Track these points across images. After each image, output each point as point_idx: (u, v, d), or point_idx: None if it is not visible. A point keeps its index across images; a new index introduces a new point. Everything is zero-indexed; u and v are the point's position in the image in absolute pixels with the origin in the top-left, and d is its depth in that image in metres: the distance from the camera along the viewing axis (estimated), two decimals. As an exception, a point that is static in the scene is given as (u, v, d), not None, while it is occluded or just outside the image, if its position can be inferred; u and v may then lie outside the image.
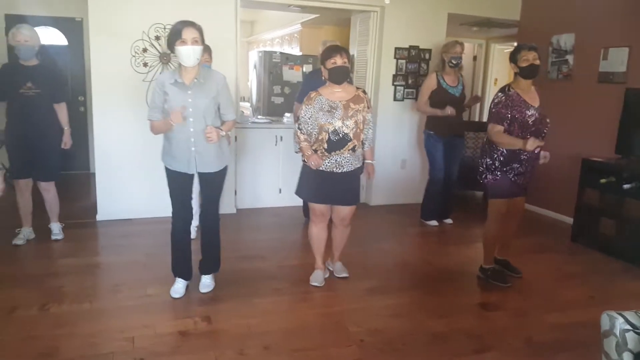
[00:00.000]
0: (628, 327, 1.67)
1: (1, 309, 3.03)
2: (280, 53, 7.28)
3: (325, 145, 3.35)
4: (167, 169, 3.22)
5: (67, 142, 4.23)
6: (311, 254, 3.71)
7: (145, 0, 4.69)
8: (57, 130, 4.16)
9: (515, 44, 6.31)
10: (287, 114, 5.84)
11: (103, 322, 2.99)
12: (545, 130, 3.58)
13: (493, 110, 3.54)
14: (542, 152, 3.59)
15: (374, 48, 5.65)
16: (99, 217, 4.90)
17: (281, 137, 5.45)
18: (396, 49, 5.60)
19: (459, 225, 5.22)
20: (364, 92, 3.48)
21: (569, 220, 5.10)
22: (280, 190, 5.59)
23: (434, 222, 5.21)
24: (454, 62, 4.87)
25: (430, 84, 4.94)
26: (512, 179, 3.60)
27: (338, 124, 3.31)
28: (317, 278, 3.63)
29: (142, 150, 4.79)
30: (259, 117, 6.31)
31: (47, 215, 4.35)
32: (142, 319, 3.02)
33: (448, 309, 3.36)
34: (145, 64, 4.79)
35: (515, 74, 3.57)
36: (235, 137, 5.22)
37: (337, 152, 3.36)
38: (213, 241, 3.42)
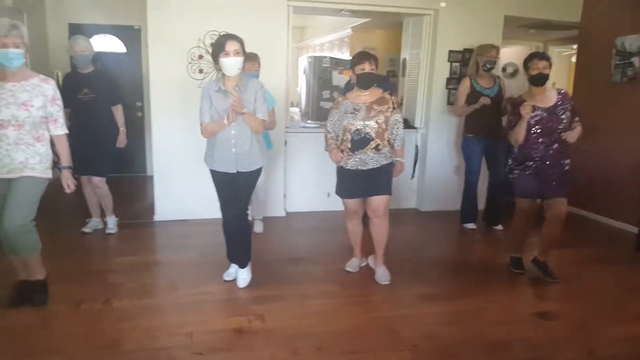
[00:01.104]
0: None
1: (68, 302, 3.18)
2: (330, 58, 7.31)
3: (349, 145, 3.56)
4: (210, 170, 3.47)
5: (122, 141, 4.55)
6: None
7: (201, 9, 4.83)
8: (111, 131, 4.47)
9: (575, 46, 6.16)
10: (337, 119, 5.86)
11: (162, 317, 3.11)
12: (560, 127, 3.68)
13: (507, 120, 3.95)
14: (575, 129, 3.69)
15: (427, 51, 5.60)
16: (156, 218, 5.06)
17: (331, 142, 5.47)
18: (450, 52, 5.54)
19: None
20: (390, 94, 3.66)
21: (634, 229, 4.88)
22: (328, 194, 5.60)
23: (471, 225, 5.23)
24: (488, 66, 4.86)
25: (464, 88, 4.97)
26: (530, 175, 3.75)
27: (359, 124, 3.51)
28: (352, 264, 3.94)
29: (198, 154, 4.86)
30: (308, 121, 6.37)
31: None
32: (199, 316, 3.11)
33: (505, 317, 3.28)
34: (200, 70, 4.93)
35: (527, 80, 3.79)
36: (285, 142, 5.30)
37: (361, 151, 3.54)
38: (241, 230, 3.56)
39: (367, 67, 3.49)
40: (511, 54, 8.26)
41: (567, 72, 7.11)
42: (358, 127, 3.51)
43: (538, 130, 3.69)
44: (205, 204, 4.95)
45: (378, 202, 3.63)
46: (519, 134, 3.71)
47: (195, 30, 4.85)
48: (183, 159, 4.98)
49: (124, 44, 7.05)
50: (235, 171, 3.36)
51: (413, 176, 5.71)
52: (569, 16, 5.89)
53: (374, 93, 3.60)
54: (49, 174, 3.08)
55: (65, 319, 3.00)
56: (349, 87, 4.54)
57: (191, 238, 4.61)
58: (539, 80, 3.69)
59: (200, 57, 4.90)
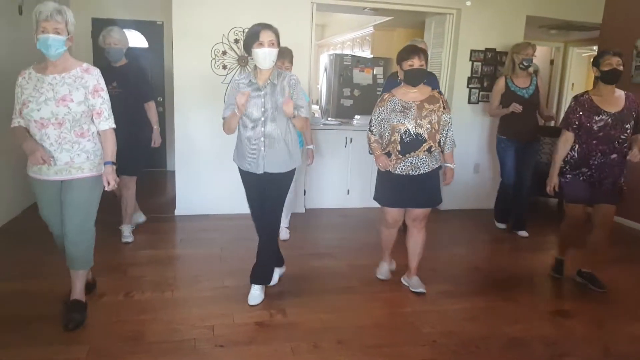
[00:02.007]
0: None
1: (91, 295, 3.22)
2: (352, 56, 7.33)
3: (399, 147, 3.28)
4: (239, 170, 3.25)
5: (155, 140, 4.38)
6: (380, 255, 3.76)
7: (225, 5, 4.87)
8: (142, 128, 4.26)
9: (596, 47, 6.10)
10: (357, 116, 5.89)
11: (184, 310, 3.15)
12: (622, 136, 3.48)
13: (564, 116, 3.68)
14: (633, 151, 3.47)
15: (449, 50, 5.60)
16: (177, 212, 5.13)
17: (351, 139, 5.51)
18: (472, 51, 5.52)
19: (533, 233, 5.01)
20: (440, 92, 3.41)
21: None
22: (348, 191, 5.65)
23: (501, 225, 5.19)
24: (525, 64, 4.72)
25: (499, 88, 4.85)
26: (583, 181, 3.58)
27: (411, 124, 3.23)
28: (383, 271, 3.72)
29: (219, 150, 4.99)
30: (329, 119, 6.40)
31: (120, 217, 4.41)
32: (221, 309, 3.15)
33: (524, 315, 3.29)
34: (224, 67, 4.98)
35: (596, 78, 3.57)
36: (308, 138, 5.33)
37: (412, 153, 3.27)
38: (269, 247, 3.28)
39: (416, 63, 3.21)
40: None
41: (587, 73, 7.05)
42: (409, 128, 3.23)
43: (599, 135, 3.48)
44: (227, 199, 5.04)
45: (421, 212, 3.41)
46: (557, 154, 3.66)
47: (219, 26, 4.90)
48: (205, 154, 5.04)
49: (147, 39, 7.12)
50: (262, 172, 3.10)
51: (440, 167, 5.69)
52: (591, 17, 5.83)
53: (423, 90, 3.32)
54: (100, 170, 2.85)
55: (88, 311, 3.02)
56: (391, 82, 4.36)
57: (212, 232, 4.65)
58: (612, 76, 3.46)
59: (224, 53, 4.95)
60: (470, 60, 5.55)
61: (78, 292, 2.97)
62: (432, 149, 3.30)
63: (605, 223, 3.65)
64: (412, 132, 3.24)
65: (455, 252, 4.49)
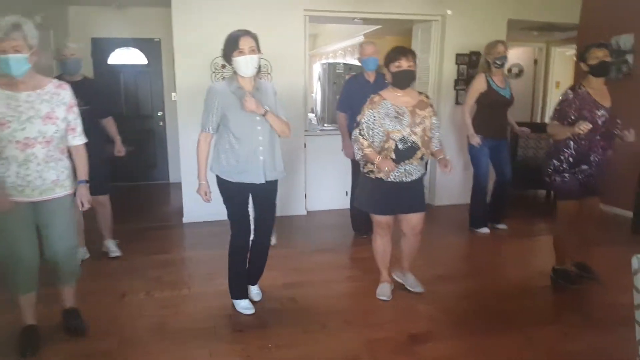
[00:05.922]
0: None
1: (113, 294, 3.49)
2: (344, 64, 7.63)
3: (393, 155, 3.15)
4: (227, 183, 3.08)
5: (120, 149, 4.26)
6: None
7: (222, 20, 5.09)
8: (102, 143, 4.13)
9: (575, 46, 6.43)
10: (352, 121, 6.17)
11: (203, 303, 3.40)
12: (616, 132, 3.50)
13: (558, 107, 3.52)
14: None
15: (435, 55, 5.91)
16: (184, 220, 5.38)
17: (346, 143, 5.78)
18: (457, 55, 5.85)
19: (518, 222, 5.25)
20: (427, 96, 3.33)
21: (629, 214, 5.21)
22: (347, 193, 5.89)
23: (484, 230, 4.99)
24: (499, 62, 4.63)
25: (479, 85, 4.69)
26: (582, 180, 3.51)
27: (406, 131, 3.13)
28: (385, 291, 3.49)
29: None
30: (325, 125, 6.69)
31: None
32: (237, 300, 3.41)
33: (513, 291, 3.60)
34: (224, 79, 5.24)
35: (586, 72, 3.51)
36: (305, 144, 5.61)
37: (407, 161, 3.18)
38: (265, 252, 3.38)
39: (404, 64, 3.11)
40: (516, 55, 8.55)
41: (570, 71, 7.39)
42: (405, 135, 3.13)
43: (603, 131, 3.45)
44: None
45: (418, 219, 3.35)
46: (557, 135, 3.51)
47: (218, 40, 5.14)
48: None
49: (145, 56, 7.35)
50: (264, 181, 3.05)
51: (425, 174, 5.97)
52: (569, 18, 6.17)
53: (412, 94, 3.24)
54: (75, 186, 2.84)
55: (113, 309, 3.28)
56: (352, 87, 4.55)
57: (220, 236, 4.78)
58: (601, 69, 3.42)
59: (223, 66, 5.22)
60: (456, 63, 5.88)
61: (72, 300, 3.02)
62: (424, 157, 3.28)
63: (594, 214, 3.68)
64: (407, 140, 3.14)
65: (444, 243, 4.74)
